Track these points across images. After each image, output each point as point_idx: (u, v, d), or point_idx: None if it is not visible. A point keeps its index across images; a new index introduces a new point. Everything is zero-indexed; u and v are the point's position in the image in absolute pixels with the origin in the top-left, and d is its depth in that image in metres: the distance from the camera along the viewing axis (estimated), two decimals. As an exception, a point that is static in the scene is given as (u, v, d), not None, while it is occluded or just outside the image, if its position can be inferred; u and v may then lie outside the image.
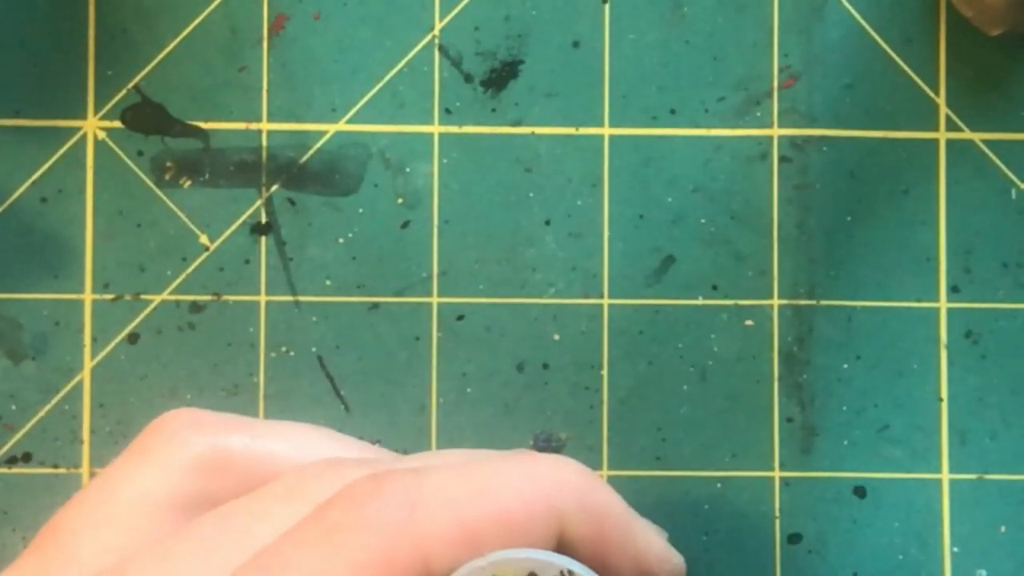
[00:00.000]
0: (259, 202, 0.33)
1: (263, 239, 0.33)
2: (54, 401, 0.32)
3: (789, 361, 0.33)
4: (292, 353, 0.33)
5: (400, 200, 0.33)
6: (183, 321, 0.33)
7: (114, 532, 0.21)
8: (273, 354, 0.33)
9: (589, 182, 0.33)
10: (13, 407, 0.32)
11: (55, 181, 0.33)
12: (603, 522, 0.22)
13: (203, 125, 0.33)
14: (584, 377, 0.33)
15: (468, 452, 0.24)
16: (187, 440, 0.22)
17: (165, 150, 0.33)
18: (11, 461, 0.32)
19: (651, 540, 0.24)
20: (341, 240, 0.33)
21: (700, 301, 0.33)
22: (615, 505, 0.23)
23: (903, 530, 0.33)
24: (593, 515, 0.22)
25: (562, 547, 0.21)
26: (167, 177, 0.33)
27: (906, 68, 0.33)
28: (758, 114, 0.33)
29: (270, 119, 0.33)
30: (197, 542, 0.20)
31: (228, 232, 0.33)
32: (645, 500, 0.33)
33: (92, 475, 0.32)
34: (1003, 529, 0.33)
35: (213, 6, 0.33)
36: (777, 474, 0.33)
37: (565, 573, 0.20)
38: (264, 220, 0.33)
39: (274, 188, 0.33)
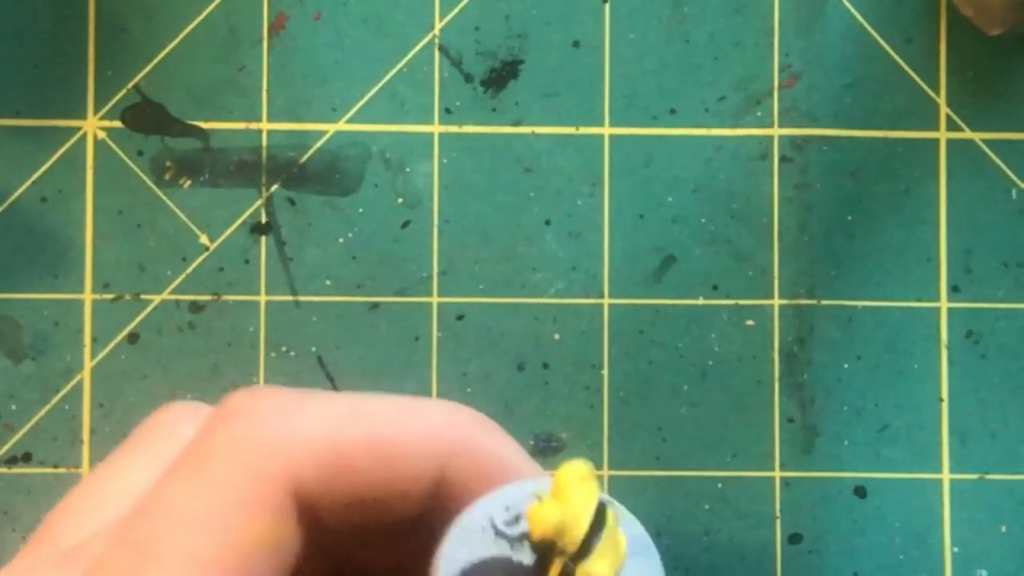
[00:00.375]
0: (259, 202, 0.33)
1: (263, 239, 0.33)
2: (54, 401, 0.32)
3: (790, 361, 0.33)
4: (292, 353, 0.33)
5: (400, 200, 0.33)
6: (183, 321, 0.33)
7: (104, 526, 0.21)
8: (273, 354, 0.33)
9: (589, 182, 0.33)
10: (13, 407, 0.32)
11: (55, 181, 0.33)
12: (490, 469, 0.21)
13: (203, 125, 0.33)
14: (584, 377, 0.33)
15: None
16: (180, 434, 0.22)
17: (165, 150, 0.33)
18: (11, 461, 0.32)
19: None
20: (341, 240, 0.33)
21: (700, 301, 0.33)
22: (509, 455, 0.22)
23: (903, 530, 0.33)
24: (479, 461, 0.20)
25: (442, 490, 0.21)
26: (167, 177, 0.33)
27: (906, 68, 0.33)
28: (758, 114, 0.33)
29: (270, 119, 0.33)
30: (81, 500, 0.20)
31: (228, 232, 0.33)
32: (645, 500, 0.32)
33: (92, 475, 0.32)
34: (1003, 529, 0.33)
35: (213, 6, 0.33)
36: (777, 474, 0.33)
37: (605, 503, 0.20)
38: (264, 220, 0.33)
39: (274, 188, 0.33)
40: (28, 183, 0.33)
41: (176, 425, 0.22)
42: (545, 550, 0.18)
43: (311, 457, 0.19)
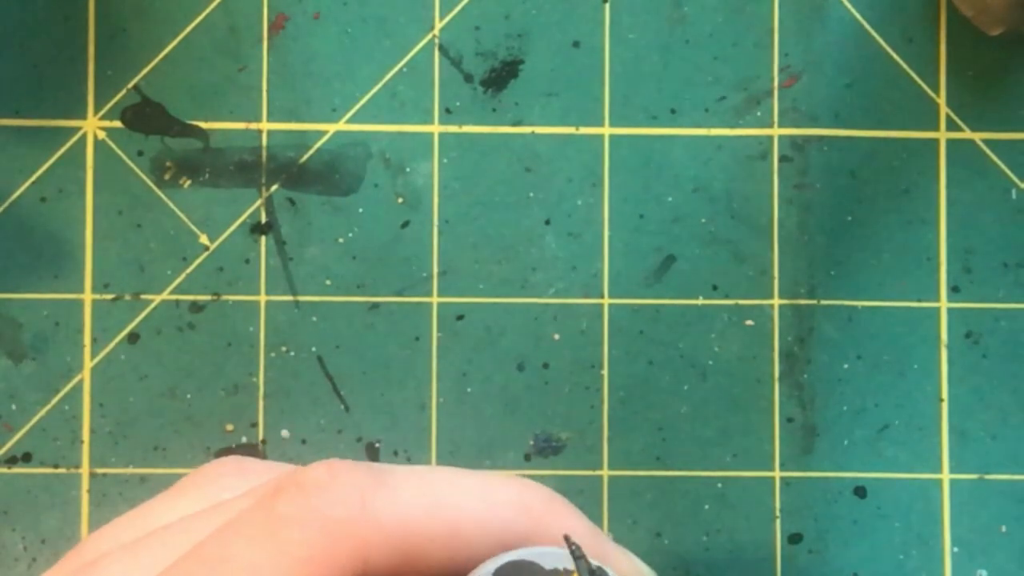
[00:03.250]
0: (259, 202, 0.33)
1: (263, 239, 0.33)
2: (54, 401, 0.32)
3: (789, 361, 0.33)
4: (292, 353, 0.33)
5: (400, 200, 0.33)
6: (183, 321, 0.33)
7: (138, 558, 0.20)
8: (273, 354, 0.33)
9: (589, 182, 0.33)
10: (13, 407, 0.32)
11: (55, 181, 0.33)
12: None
13: (203, 125, 0.33)
14: (584, 377, 0.33)
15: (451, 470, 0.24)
16: (228, 485, 0.22)
17: (165, 150, 0.33)
18: (11, 461, 0.32)
19: (622, 563, 0.24)
20: (341, 240, 0.33)
21: (700, 301, 0.33)
22: (582, 532, 0.22)
23: (903, 530, 0.33)
24: (555, 542, 0.21)
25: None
26: (167, 177, 0.33)
27: (906, 68, 0.33)
28: (758, 114, 0.33)
29: (270, 119, 0.33)
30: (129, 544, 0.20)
31: (228, 232, 0.33)
32: (645, 500, 0.33)
33: (92, 475, 0.32)
34: (1003, 529, 0.33)
35: (213, 6, 0.33)
36: (777, 474, 0.33)
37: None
38: (264, 220, 0.33)
39: (274, 188, 0.33)
40: (28, 183, 0.33)
41: (224, 477, 0.22)
42: None
43: (383, 544, 0.19)
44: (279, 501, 0.19)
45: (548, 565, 0.19)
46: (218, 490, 0.21)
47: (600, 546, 0.23)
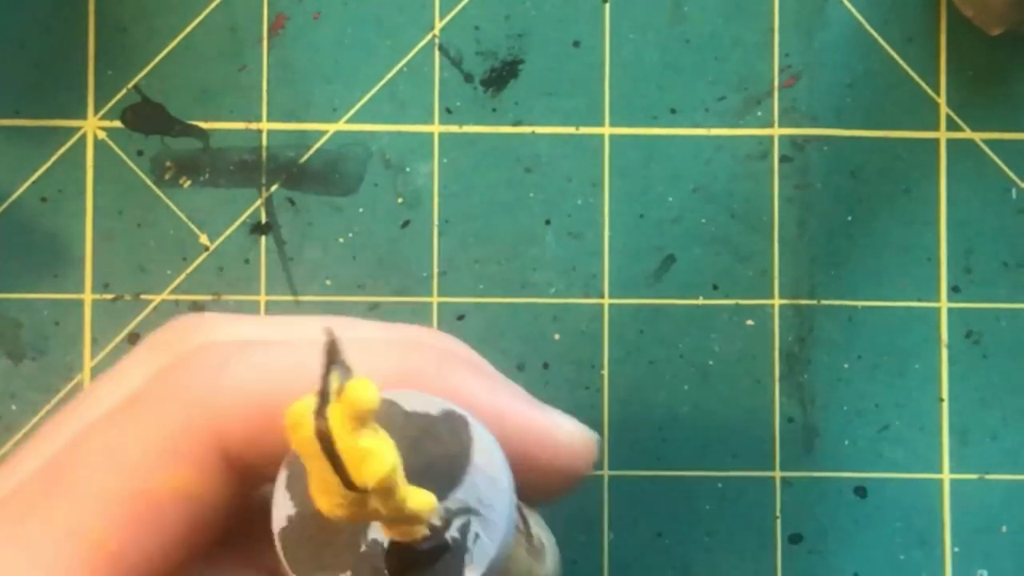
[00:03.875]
0: (259, 202, 0.33)
1: (263, 239, 0.33)
2: (54, 401, 0.32)
3: (790, 361, 0.33)
4: (292, 353, 0.33)
5: (400, 200, 0.33)
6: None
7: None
8: (273, 354, 0.33)
9: (589, 182, 0.33)
10: (13, 407, 0.32)
11: (55, 181, 0.33)
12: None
13: (203, 125, 0.33)
14: (584, 377, 0.33)
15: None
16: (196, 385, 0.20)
17: (165, 150, 0.33)
18: (11, 461, 0.32)
19: (535, 422, 0.21)
20: (341, 240, 0.33)
21: (700, 301, 0.33)
22: (473, 395, 0.20)
23: (904, 530, 0.33)
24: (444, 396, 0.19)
25: None
26: (167, 177, 0.33)
27: (907, 68, 0.33)
28: (759, 114, 0.33)
29: (270, 119, 0.33)
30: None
31: (228, 232, 0.33)
32: (645, 500, 0.32)
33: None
34: (1004, 529, 0.33)
35: (213, 6, 0.33)
36: (778, 474, 0.33)
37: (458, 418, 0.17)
38: (264, 220, 0.33)
39: (274, 188, 0.33)
40: (28, 183, 0.33)
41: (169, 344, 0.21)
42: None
43: (239, 414, 0.19)
44: (151, 381, 0.19)
45: (409, 407, 0.18)
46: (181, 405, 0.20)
47: (499, 404, 0.21)
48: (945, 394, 0.33)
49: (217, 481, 0.19)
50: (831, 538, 0.32)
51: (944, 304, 0.33)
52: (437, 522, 0.17)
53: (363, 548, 0.17)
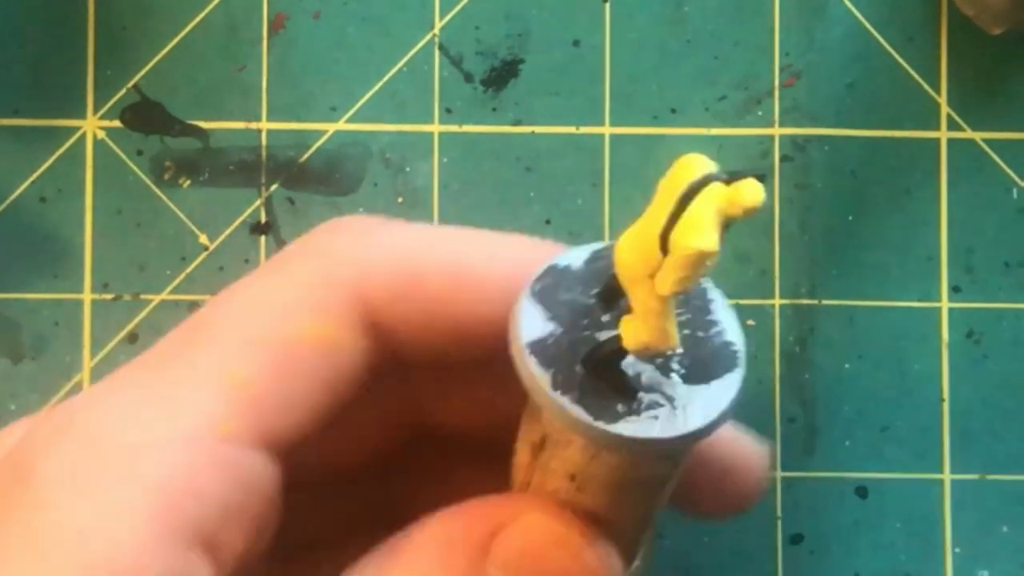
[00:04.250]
0: (259, 202, 0.33)
1: (263, 239, 0.33)
2: (54, 401, 0.32)
3: (791, 361, 0.33)
4: (292, 353, 0.33)
5: (400, 200, 0.33)
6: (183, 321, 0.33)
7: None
8: (273, 354, 0.33)
9: (589, 182, 0.33)
10: (13, 407, 0.32)
11: (55, 181, 0.33)
12: None
13: (203, 125, 0.33)
14: (585, 377, 0.33)
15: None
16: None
17: (164, 150, 0.33)
18: (10, 461, 0.32)
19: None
20: (341, 240, 0.33)
21: (701, 301, 0.33)
22: None
23: (905, 530, 0.32)
24: None
25: None
26: (167, 177, 0.33)
27: (907, 67, 0.33)
28: (759, 113, 0.33)
29: (269, 118, 0.33)
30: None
31: (228, 232, 0.33)
32: (646, 500, 0.32)
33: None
34: (1004, 529, 0.33)
35: (212, 5, 0.33)
36: (778, 474, 0.33)
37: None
38: (264, 220, 0.33)
39: (274, 188, 0.33)
40: (27, 183, 0.33)
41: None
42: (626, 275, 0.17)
43: (382, 271, 0.19)
44: (294, 244, 0.20)
45: (580, 261, 0.18)
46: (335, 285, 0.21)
47: None
48: (945, 394, 0.33)
49: (357, 335, 0.19)
50: (831, 538, 0.32)
51: (945, 304, 0.33)
52: (679, 350, 0.18)
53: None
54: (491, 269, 0.20)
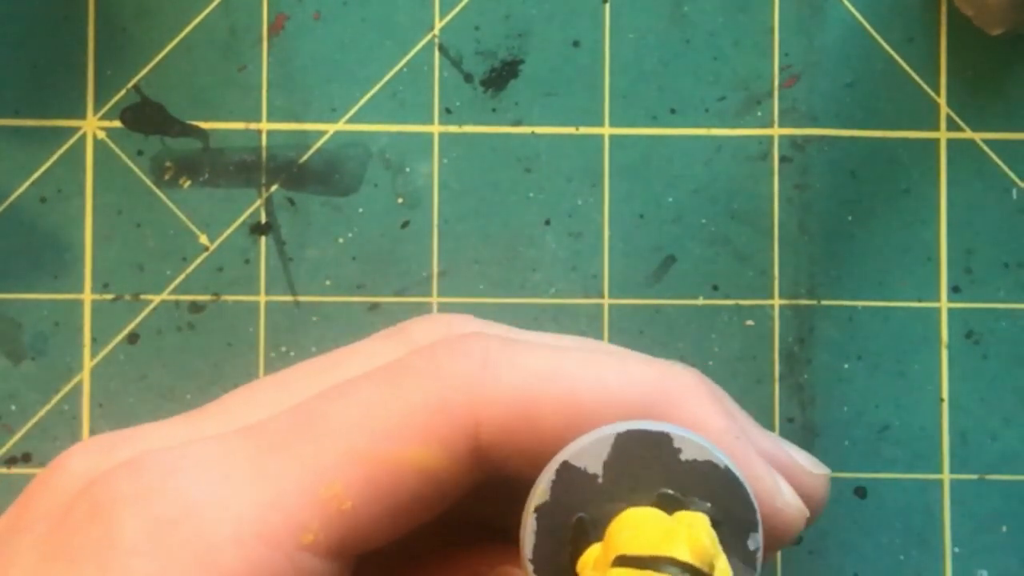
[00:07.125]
0: (259, 202, 0.33)
1: (263, 239, 0.33)
2: (54, 401, 0.32)
3: (790, 361, 0.33)
4: (292, 353, 0.33)
5: (400, 200, 0.33)
6: (183, 321, 0.33)
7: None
8: (273, 354, 0.33)
9: (589, 182, 0.33)
10: (13, 407, 0.32)
11: (55, 181, 0.33)
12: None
13: (203, 125, 0.33)
14: (584, 377, 0.33)
15: (610, 348, 0.23)
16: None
17: (165, 150, 0.33)
18: (11, 461, 0.32)
19: (766, 482, 0.22)
20: (341, 240, 0.33)
21: (700, 301, 0.33)
22: (720, 430, 0.21)
23: (904, 531, 0.33)
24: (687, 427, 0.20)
25: None
26: (167, 177, 0.33)
27: (907, 68, 0.33)
28: (759, 114, 0.33)
29: (269, 119, 0.33)
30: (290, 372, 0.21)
31: (228, 232, 0.33)
32: (645, 500, 0.32)
33: (92, 475, 0.32)
34: (1004, 529, 0.33)
35: (213, 6, 0.33)
36: (778, 474, 0.33)
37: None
38: (264, 220, 0.33)
39: (274, 188, 0.33)
40: (28, 183, 0.33)
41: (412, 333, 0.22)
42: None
43: (498, 408, 0.19)
44: (412, 356, 0.20)
45: (686, 452, 0.18)
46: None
47: (744, 452, 0.21)
48: (945, 394, 0.33)
49: (460, 465, 0.19)
50: (831, 538, 0.32)
51: (944, 304, 0.33)
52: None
53: None
54: (606, 409, 0.20)
